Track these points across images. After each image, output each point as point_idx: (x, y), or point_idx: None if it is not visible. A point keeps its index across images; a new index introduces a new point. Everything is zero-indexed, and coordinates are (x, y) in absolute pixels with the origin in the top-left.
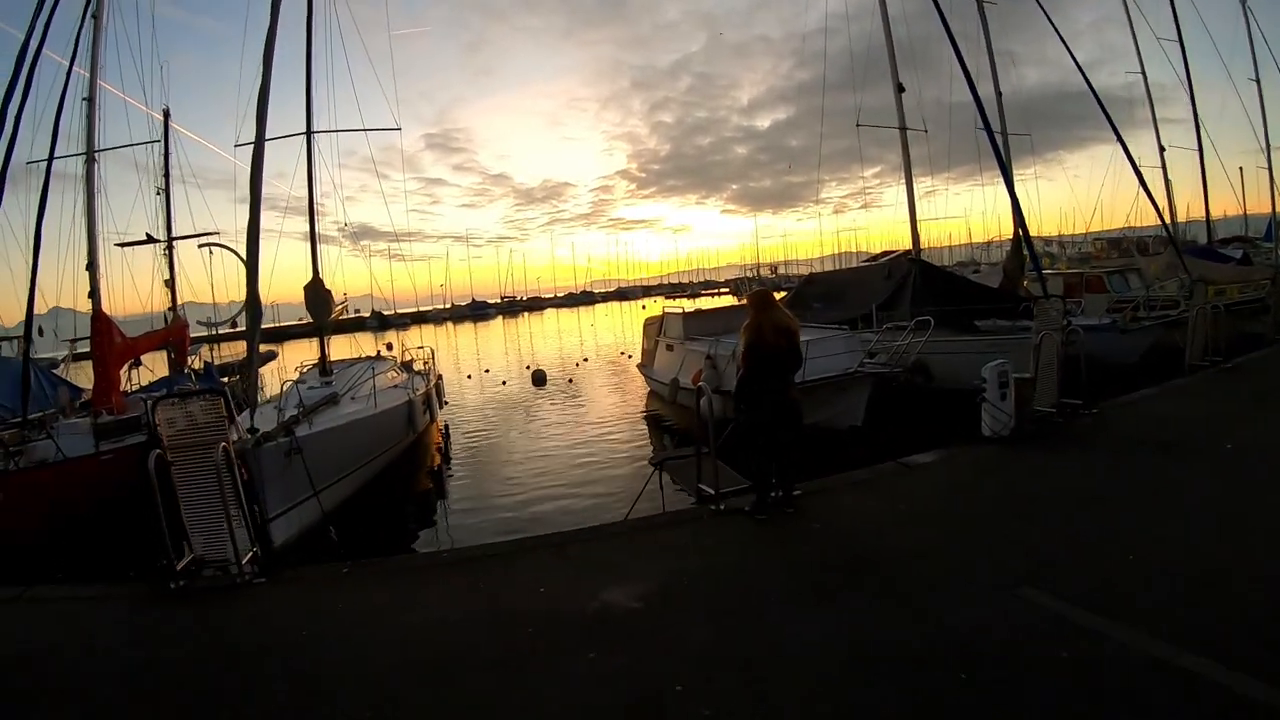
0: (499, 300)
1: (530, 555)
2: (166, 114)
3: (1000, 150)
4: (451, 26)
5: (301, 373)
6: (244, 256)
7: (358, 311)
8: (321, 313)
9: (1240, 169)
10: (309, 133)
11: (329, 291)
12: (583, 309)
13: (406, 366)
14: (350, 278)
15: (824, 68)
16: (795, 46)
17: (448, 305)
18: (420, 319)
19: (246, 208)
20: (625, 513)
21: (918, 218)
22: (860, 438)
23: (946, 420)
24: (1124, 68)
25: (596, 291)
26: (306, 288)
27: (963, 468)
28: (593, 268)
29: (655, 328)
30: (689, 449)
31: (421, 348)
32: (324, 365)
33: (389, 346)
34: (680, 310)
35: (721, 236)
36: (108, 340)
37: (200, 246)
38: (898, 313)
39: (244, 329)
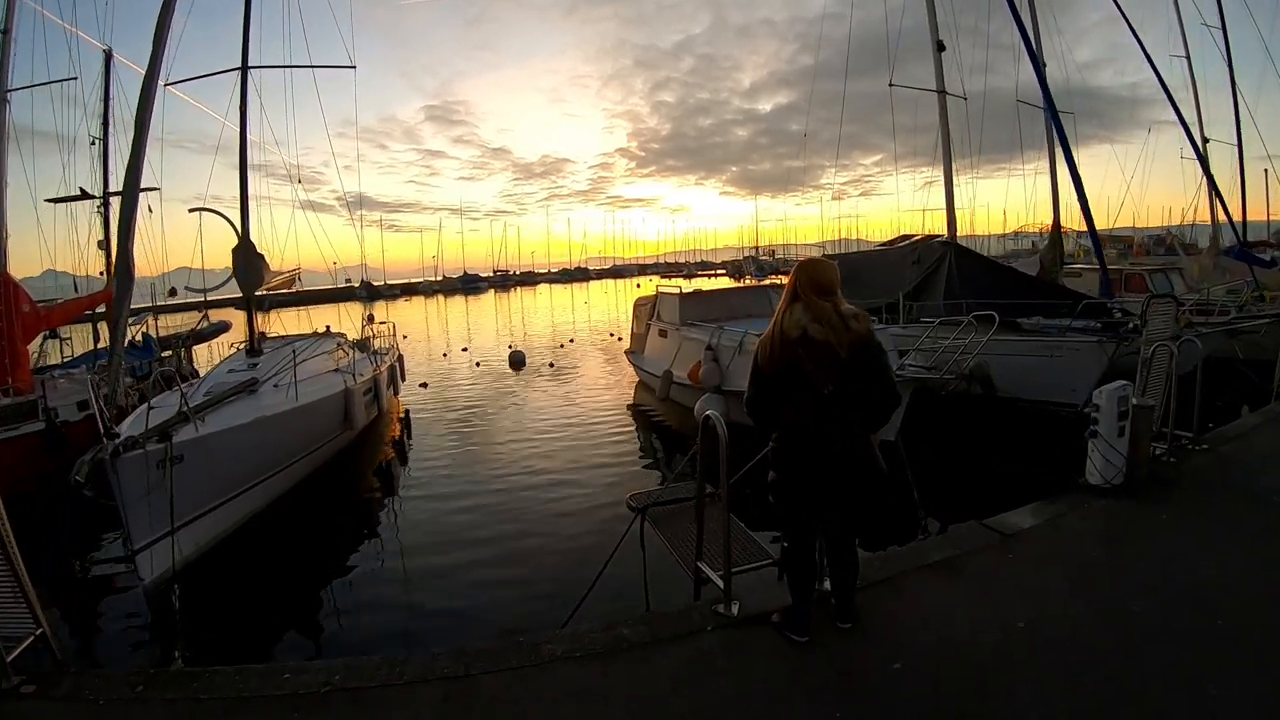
0: (492, 274)
1: (416, 697)
2: (108, 55)
3: (1059, 127)
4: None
5: (239, 350)
6: (236, 224)
7: (348, 281)
8: (252, 281)
9: (1265, 171)
10: (244, 68)
11: (261, 256)
12: (576, 285)
13: (362, 345)
14: (342, 247)
15: (847, 48)
16: (800, 31)
17: (439, 277)
18: (411, 290)
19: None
20: (572, 610)
21: (923, 208)
22: (895, 457)
23: (1004, 440)
24: (1129, 68)
25: (591, 268)
26: (234, 251)
27: (1081, 538)
28: (588, 244)
29: (647, 310)
30: (684, 482)
31: (384, 323)
32: (252, 343)
33: (371, 318)
34: (676, 291)
35: (720, 218)
36: (12, 308)
37: (191, 211)
38: (928, 303)
39: (192, 300)
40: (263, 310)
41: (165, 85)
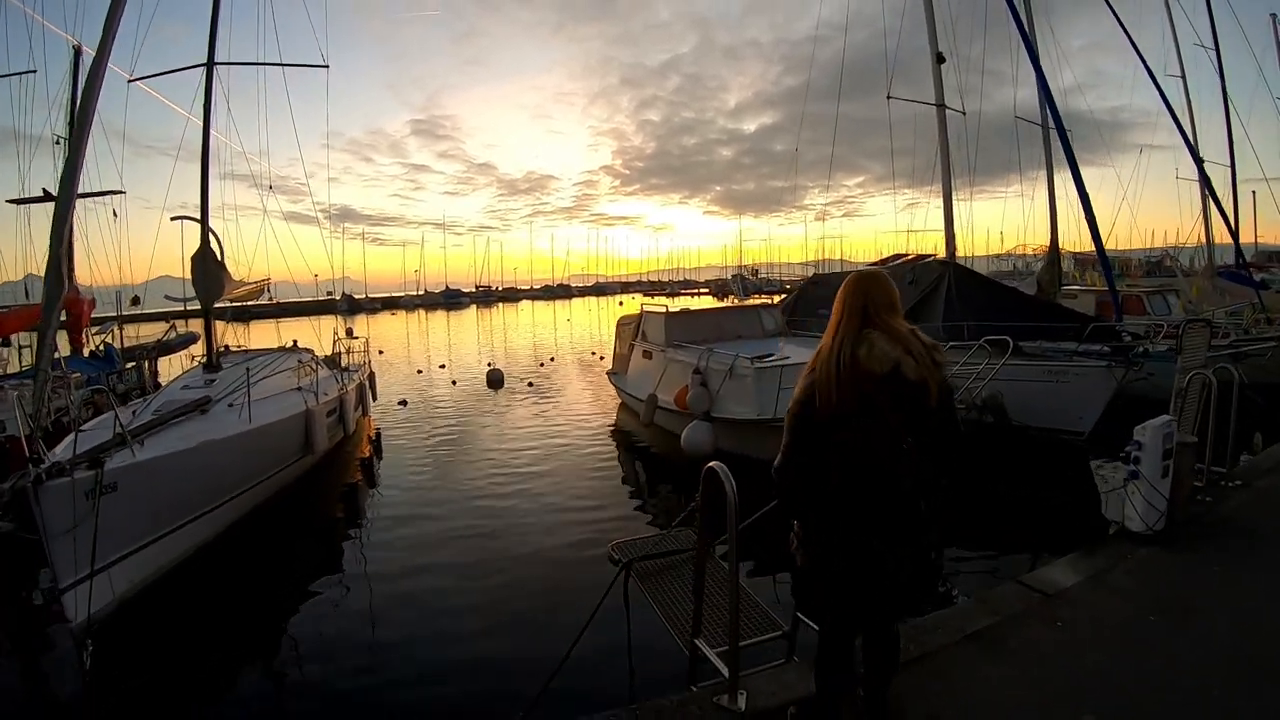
0: (474, 289)
1: None
2: (77, 51)
3: (1066, 143)
4: (445, 14)
5: (199, 365)
6: (214, 232)
7: (330, 294)
8: (211, 291)
9: (1253, 193)
10: (210, 64)
11: (221, 265)
12: (559, 302)
13: (331, 361)
14: (323, 259)
15: (840, 71)
16: (785, 53)
17: (421, 292)
18: (392, 304)
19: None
20: (542, 685)
21: (907, 229)
22: None
23: (1015, 471)
24: (1109, 93)
25: (574, 286)
26: (193, 259)
27: (1133, 600)
28: (571, 262)
29: (630, 329)
30: (675, 531)
31: (356, 338)
32: (211, 358)
33: (350, 332)
34: (663, 310)
35: (703, 237)
36: None
37: (173, 219)
38: (925, 325)
39: (167, 310)
40: (242, 322)
41: (130, 81)
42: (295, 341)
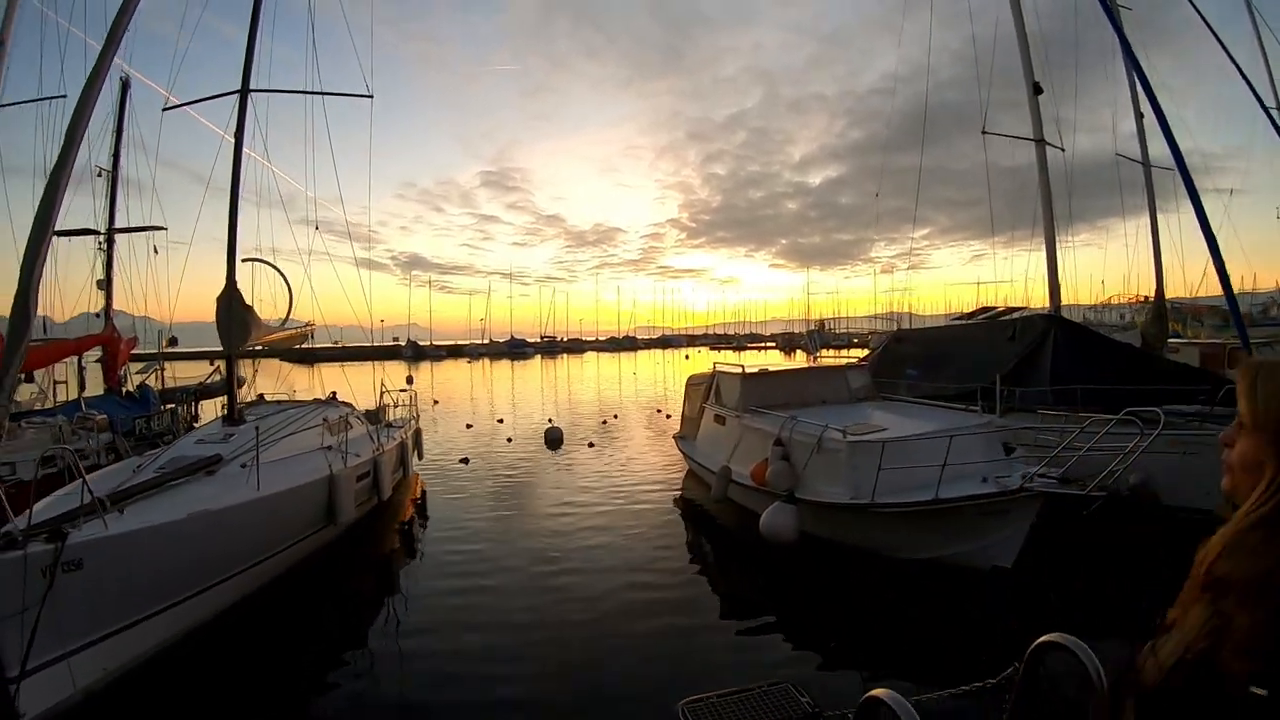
0: (539, 339)
1: None
2: (125, 82)
3: (1190, 181)
4: (515, 70)
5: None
6: (284, 274)
7: (396, 340)
8: (236, 335)
9: None
10: (244, 91)
11: (249, 308)
12: (624, 354)
13: (373, 415)
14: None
15: (905, 112)
16: (849, 106)
17: (486, 341)
18: (457, 352)
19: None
20: None
21: (975, 281)
22: (1008, 595)
23: (1162, 571)
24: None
25: (639, 338)
26: (218, 301)
27: None
28: (637, 313)
29: (701, 390)
30: (754, 687)
31: (405, 390)
32: (232, 410)
33: (409, 380)
34: (739, 370)
35: (769, 290)
36: None
37: (243, 261)
38: (1032, 390)
39: (208, 349)
40: (307, 364)
41: (165, 109)
42: (334, 393)
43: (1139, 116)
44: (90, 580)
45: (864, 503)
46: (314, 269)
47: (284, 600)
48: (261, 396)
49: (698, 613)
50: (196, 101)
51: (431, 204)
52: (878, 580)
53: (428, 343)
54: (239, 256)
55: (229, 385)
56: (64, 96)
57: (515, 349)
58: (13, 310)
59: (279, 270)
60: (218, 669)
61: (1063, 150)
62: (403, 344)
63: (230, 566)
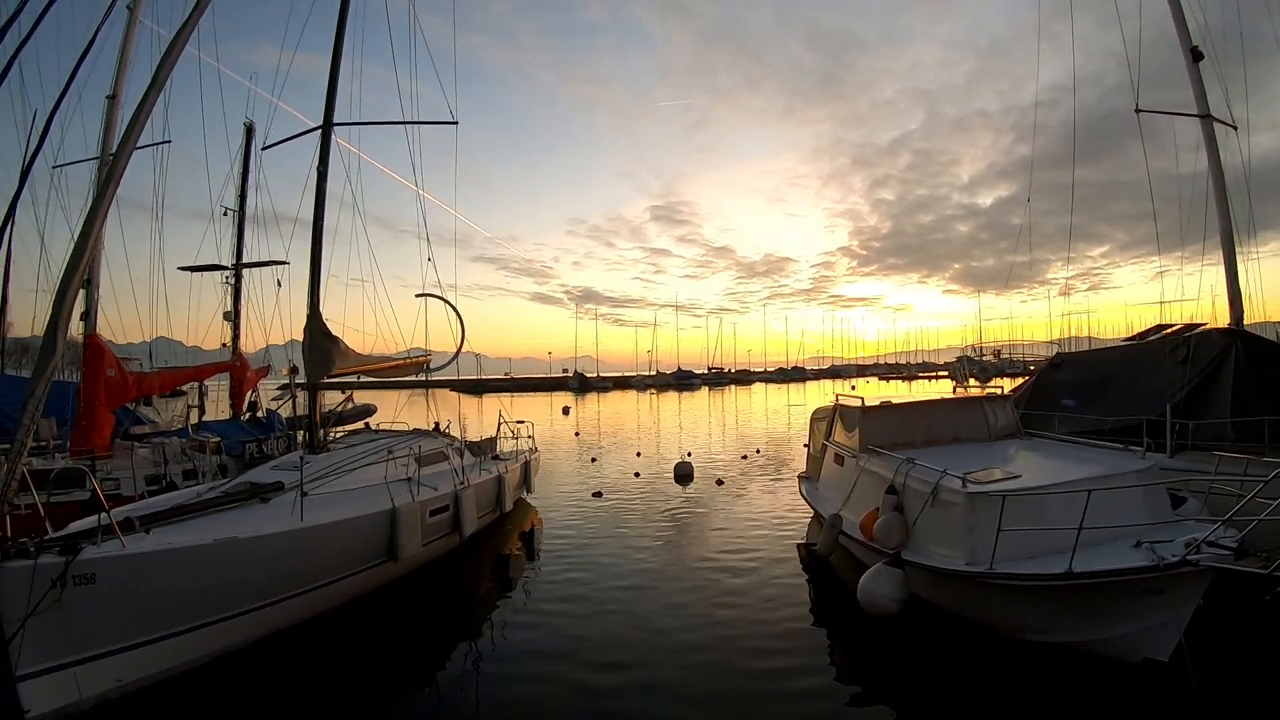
0: (706, 370)
1: None
2: (249, 129)
3: None
4: (676, 106)
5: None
6: (457, 309)
7: (565, 371)
8: (319, 366)
9: None
10: (327, 125)
11: (335, 339)
12: (793, 385)
13: (476, 448)
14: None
15: (1073, 121)
16: (1014, 120)
17: (654, 372)
18: (623, 384)
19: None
20: None
21: (1159, 300)
22: (1165, 696)
23: None
24: None
25: (808, 368)
26: (305, 330)
27: None
28: (806, 343)
29: (825, 424)
30: None
31: (522, 422)
32: (313, 438)
33: (565, 411)
34: (859, 401)
35: (942, 317)
36: (96, 371)
37: (417, 296)
38: (1209, 422)
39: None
40: (475, 395)
41: (263, 149)
42: (438, 424)
43: None
44: (102, 594)
45: (978, 570)
46: (490, 303)
47: (332, 633)
48: (368, 425)
49: (773, 679)
50: (285, 140)
51: (602, 239)
52: (1001, 664)
53: (594, 374)
54: (416, 293)
55: (311, 413)
56: (169, 142)
57: (681, 380)
58: (44, 341)
59: (450, 304)
60: (250, 695)
61: (1234, 128)
62: (570, 375)
63: (266, 594)
